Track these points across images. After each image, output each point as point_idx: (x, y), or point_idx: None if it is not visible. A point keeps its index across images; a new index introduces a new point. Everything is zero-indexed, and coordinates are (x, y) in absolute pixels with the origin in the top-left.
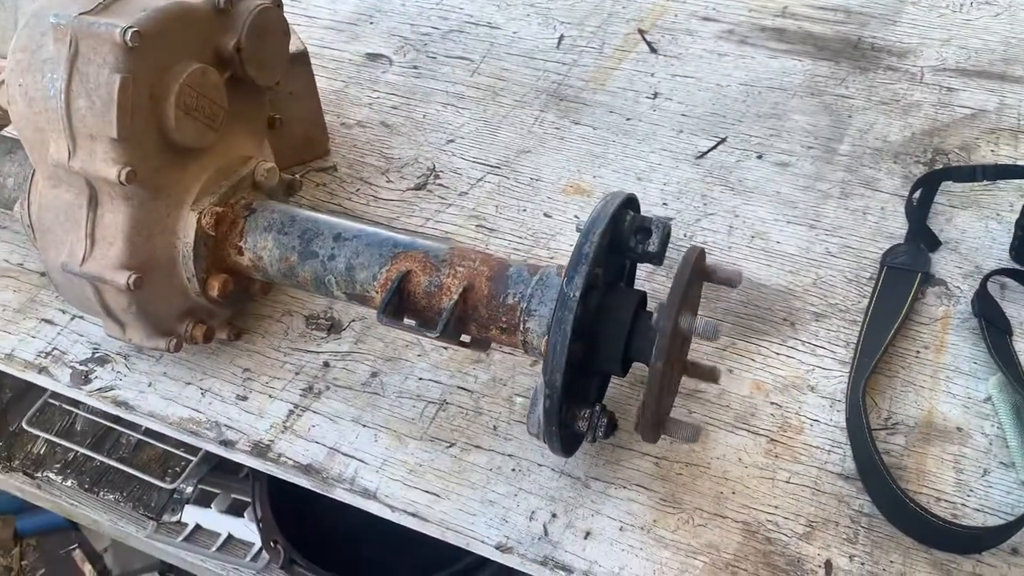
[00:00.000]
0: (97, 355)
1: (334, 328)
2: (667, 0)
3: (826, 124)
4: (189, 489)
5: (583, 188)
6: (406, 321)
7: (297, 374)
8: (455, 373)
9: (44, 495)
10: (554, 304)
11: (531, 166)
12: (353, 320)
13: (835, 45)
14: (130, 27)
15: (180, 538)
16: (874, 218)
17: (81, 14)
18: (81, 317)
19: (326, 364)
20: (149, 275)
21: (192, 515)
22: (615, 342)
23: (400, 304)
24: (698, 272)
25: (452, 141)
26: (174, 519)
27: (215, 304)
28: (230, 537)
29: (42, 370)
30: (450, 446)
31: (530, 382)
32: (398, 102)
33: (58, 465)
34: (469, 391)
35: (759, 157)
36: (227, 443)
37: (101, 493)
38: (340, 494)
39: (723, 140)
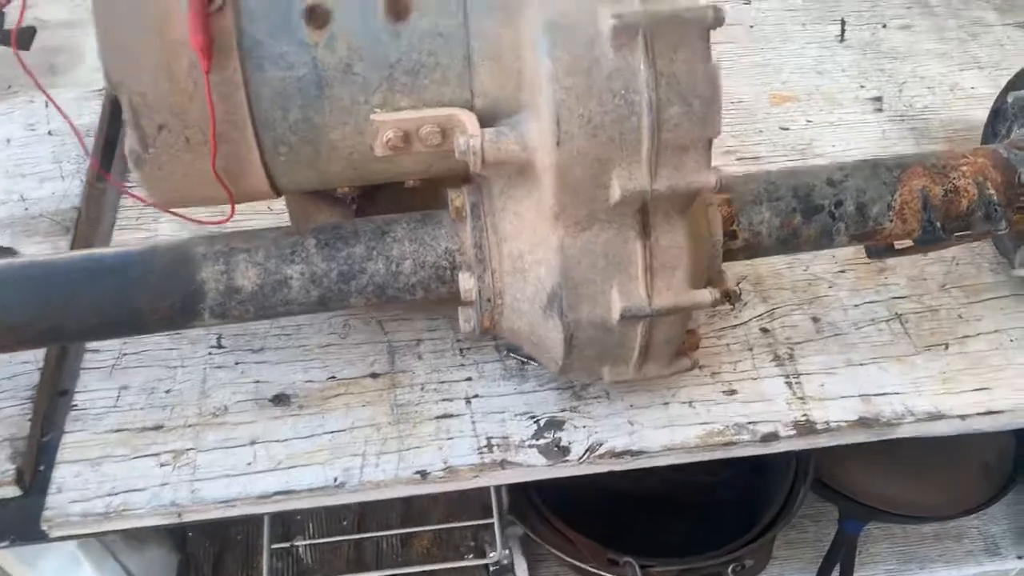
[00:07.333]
0: (543, 422)
1: (732, 298)
2: None
3: None
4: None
5: (786, 95)
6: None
7: (750, 349)
8: (863, 291)
9: None
10: None
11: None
12: (739, 284)
13: None
14: (715, 7)
15: None
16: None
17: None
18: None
19: (763, 330)
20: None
21: None
22: None
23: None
24: None
25: None
26: None
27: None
28: None
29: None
30: (946, 348)
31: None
32: None
33: None
34: (901, 297)
35: (884, 26)
36: (768, 437)
37: None
38: (907, 430)
39: (843, 21)
